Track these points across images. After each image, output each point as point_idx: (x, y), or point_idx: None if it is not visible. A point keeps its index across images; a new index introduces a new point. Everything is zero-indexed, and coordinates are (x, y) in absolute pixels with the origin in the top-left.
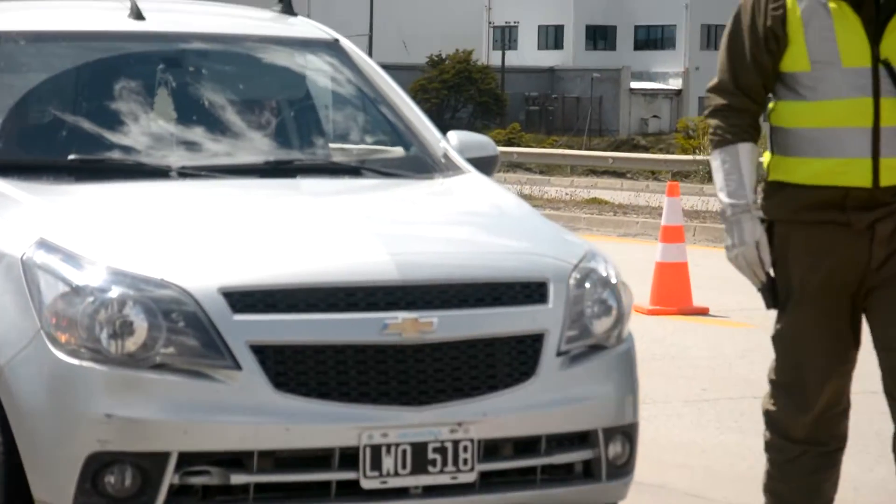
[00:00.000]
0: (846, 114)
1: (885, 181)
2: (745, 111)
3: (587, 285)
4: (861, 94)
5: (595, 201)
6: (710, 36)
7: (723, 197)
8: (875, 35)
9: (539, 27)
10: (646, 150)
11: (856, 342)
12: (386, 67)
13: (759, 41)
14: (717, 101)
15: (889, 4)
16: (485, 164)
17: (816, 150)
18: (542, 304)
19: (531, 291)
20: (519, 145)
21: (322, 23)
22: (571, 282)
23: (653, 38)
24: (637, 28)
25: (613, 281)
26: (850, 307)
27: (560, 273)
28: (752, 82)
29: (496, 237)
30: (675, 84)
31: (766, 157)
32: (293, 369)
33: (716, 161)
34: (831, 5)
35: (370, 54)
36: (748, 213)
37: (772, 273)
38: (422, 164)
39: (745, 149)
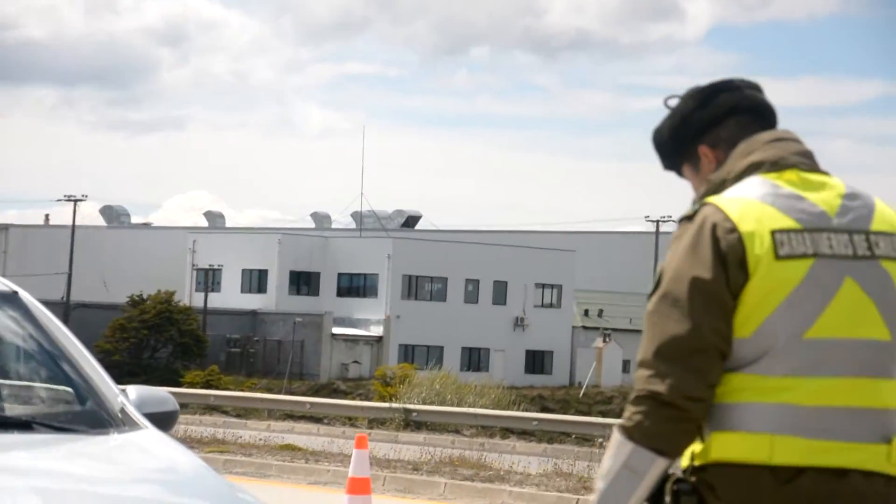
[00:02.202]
0: None
1: None
2: None
3: None
4: None
5: (288, 448)
6: (410, 286)
7: None
8: None
9: (243, 271)
10: (345, 395)
11: None
12: (85, 306)
13: None
14: None
15: None
16: (163, 420)
17: None
18: None
19: None
20: (217, 387)
21: (20, 259)
22: None
23: (355, 286)
24: (340, 275)
25: None
26: None
27: None
28: None
29: (168, 496)
30: (376, 331)
31: None
32: None
33: None
34: None
35: (69, 293)
36: None
37: None
38: (97, 419)
39: None
